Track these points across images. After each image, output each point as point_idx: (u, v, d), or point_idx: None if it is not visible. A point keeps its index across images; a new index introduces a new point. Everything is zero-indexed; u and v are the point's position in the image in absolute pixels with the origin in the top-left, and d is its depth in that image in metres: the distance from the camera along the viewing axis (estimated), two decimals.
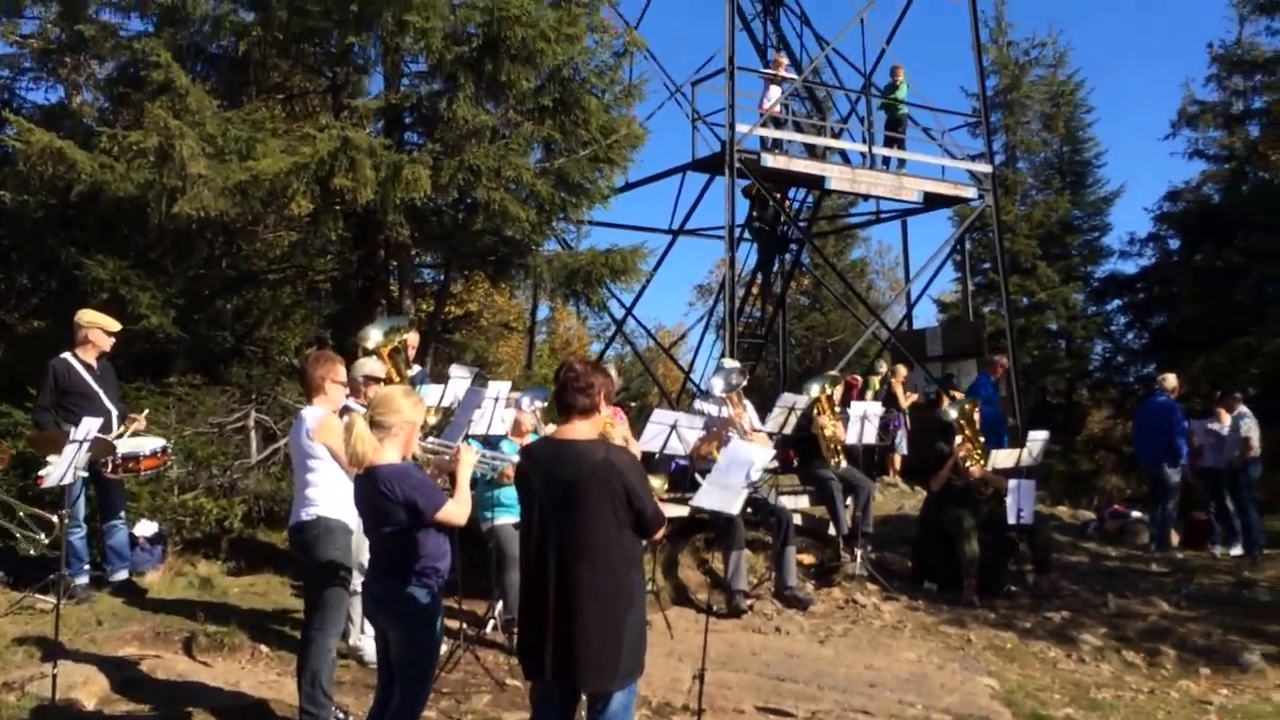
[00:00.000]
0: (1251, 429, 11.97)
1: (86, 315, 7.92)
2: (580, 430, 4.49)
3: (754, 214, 17.73)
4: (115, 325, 7.99)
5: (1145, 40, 63.93)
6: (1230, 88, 24.87)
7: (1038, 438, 10.69)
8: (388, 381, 6.89)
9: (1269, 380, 20.78)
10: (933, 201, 16.68)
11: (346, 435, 4.58)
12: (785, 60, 16.91)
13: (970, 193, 16.65)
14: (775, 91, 15.83)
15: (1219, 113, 24.94)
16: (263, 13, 10.85)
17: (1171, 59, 62.84)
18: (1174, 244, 25.86)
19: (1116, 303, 27.26)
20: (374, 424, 4.59)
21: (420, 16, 10.20)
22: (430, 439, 6.14)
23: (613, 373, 8.90)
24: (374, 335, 7.22)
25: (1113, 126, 58.84)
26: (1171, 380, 12.38)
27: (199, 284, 11.66)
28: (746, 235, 17.78)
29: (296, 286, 13.09)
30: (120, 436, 7.60)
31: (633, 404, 19.47)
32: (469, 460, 4.94)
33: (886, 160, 16.06)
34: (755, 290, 18.96)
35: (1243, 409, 12.14)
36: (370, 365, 7.05)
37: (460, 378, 8.03)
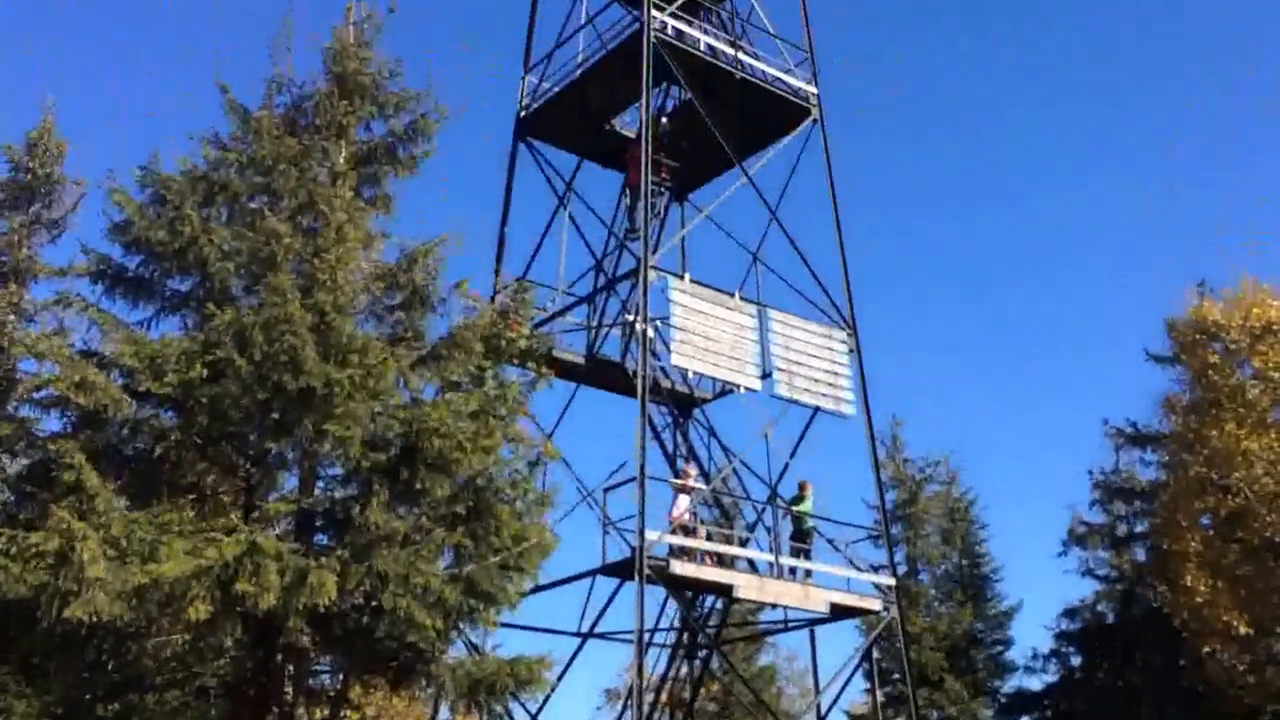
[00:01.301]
0: None
1: None
2: None
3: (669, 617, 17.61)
4: None
5: (1031, 464, 67.89)
6: (1113, 512, 26.26)
7: None
8: None
9: None
10: (839, 612, 16.81)
11: None
12: (694, 470, 17.49)
13: (875, 605, 16.85)
14: (684, 500, 16.23)
15: (1105, 534, 26.15)
16: (183, 416, 11.03)
17: (1058, 481, 66.74)
18: (1075, 660, 26.21)
19: (1025, 719, 27.09)
20: None
21: (340, 425, 10.49)
22: None
23: None
24: None
25: (1007, 543, 61.21)
26: None
27: (80, 689, 11.02)
28: (658, 639, 17.56)
29: (184, 689, 12.41)
30: None
31: None
32: None
33: (794, 570, 16.32)
34: (664, 697, 18.46)
35: None
36: None
37: None
